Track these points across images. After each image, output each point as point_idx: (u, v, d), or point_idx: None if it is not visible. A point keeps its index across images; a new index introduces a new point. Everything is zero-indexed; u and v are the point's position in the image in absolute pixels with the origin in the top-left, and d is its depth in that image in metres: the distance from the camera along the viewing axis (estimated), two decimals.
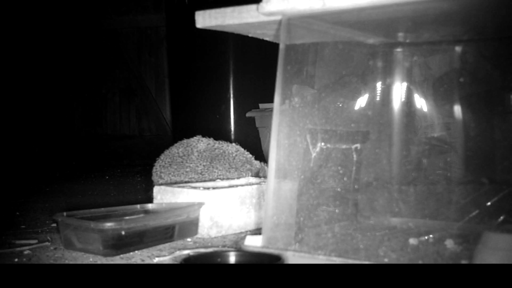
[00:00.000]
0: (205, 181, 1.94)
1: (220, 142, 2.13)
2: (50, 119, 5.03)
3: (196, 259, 1.00)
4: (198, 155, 2.04)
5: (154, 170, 2.11)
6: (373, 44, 1.39)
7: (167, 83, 4.87)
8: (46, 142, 4.85)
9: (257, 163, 2.07)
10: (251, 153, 2.18)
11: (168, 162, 2.06)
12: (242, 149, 2.11)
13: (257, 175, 2.04)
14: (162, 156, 2.11)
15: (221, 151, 2.06)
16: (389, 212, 1.36)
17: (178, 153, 2.07)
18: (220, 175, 2.01)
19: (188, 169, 2.02)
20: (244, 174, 2.03)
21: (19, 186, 3.12)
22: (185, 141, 2.13)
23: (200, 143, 2.09)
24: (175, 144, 2.14)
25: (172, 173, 2.04)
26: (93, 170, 3.99)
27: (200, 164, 2.02)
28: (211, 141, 2.11)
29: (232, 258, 0.99)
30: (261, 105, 2.88)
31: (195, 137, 2.13)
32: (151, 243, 1.43)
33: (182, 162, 2.04)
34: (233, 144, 2.13)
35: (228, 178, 1.97)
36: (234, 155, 2.05)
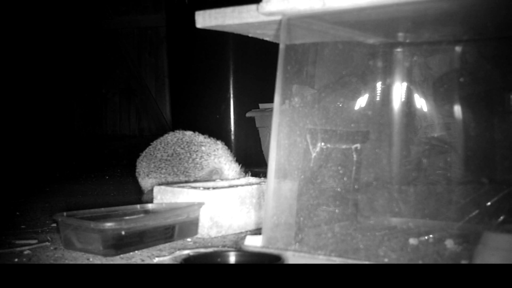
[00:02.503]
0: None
1: (191, 134, 2.18)
2: (50, 119, 5.03)
3: (196, 259, 1.00)
4: (165, 145, 2.16)
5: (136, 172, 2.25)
6: (373, 44, 1.39)
7: (167, 83, 4.87)
8: (46, 142, 4.85)
9: (205, 145, 2.13)
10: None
11: (141, 159, 2.21)
12: (200, 136, 2.18)
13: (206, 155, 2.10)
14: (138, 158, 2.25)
15: (179, 138, 2.16)
16: (389, 212, 1.36)
17: (149, 149, 2.21)
18: (182, 159, 2.11)
19: (156, 159, 2.14)
20: (196, 155, 2.10)
21: (19, 186, 3.12)
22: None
23: (169, 136, 2.20)
24: None
25: (144, 167, 2.17)
26: (93, 170, 3.99)
27: (165, 152, 2.13)
28: (181, 133, 2.17)
29: (232, 258, 0.99)
30: (261, 105, 2.88)
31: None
32: (151, 243, 1.43)
33: (151, 154, 2.17)
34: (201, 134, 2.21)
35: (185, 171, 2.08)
36: (189, 140, 2.15)
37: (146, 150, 2.20)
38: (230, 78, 3.31)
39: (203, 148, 2.11)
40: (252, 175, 2.04)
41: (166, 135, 2.20)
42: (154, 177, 2.13)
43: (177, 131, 2.21)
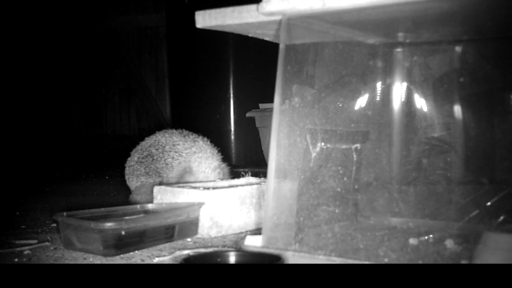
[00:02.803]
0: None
1: (168, 135, 2.17)
2: (50, 119, 5.04)
3: (196, 259, 1.00)
4: (141, 148, 2.16)
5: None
6: (373, 44, 1.39)
7: (167, 83, 4.87)
8: (46, 142, 4.85)
9: (180, 144, 2.12)
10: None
11: (126, 162, 2.21)
12: (176, 137, 2.15)
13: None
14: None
15: (156, 140, 2.15)
16: (389, 212, 1.36)
17: (132, 152, 2.21)
18: (155, 160, 2.10)
19: (133, 162, 2.15)
20: (168, 155, 2.09)
21: (19, 186, 3.12)
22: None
23: (148, 140, 2.18)
24: None
25: (126, 169, 2.19)
26: (93, 170, 3.99)
27: (141, 154, 2.14)
28: (161, 134, 2.16)
29: (232, 258, 0.99)
30: (261, 105, 2.88)
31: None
32: (151, 243, 1.43)
33: (131, 157, 2.19)
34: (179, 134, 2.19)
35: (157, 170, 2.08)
36: (164, 142, 2.13)
37: (131, 153, 2.21)
38: (230, 78, 3.32)
39: (177, 147, 2.10)
40: (252, 175, 2.04)
41: (147, 138, 2.19)
42: (132, 179, 2.14)
43: (158, 132, 2.19)
